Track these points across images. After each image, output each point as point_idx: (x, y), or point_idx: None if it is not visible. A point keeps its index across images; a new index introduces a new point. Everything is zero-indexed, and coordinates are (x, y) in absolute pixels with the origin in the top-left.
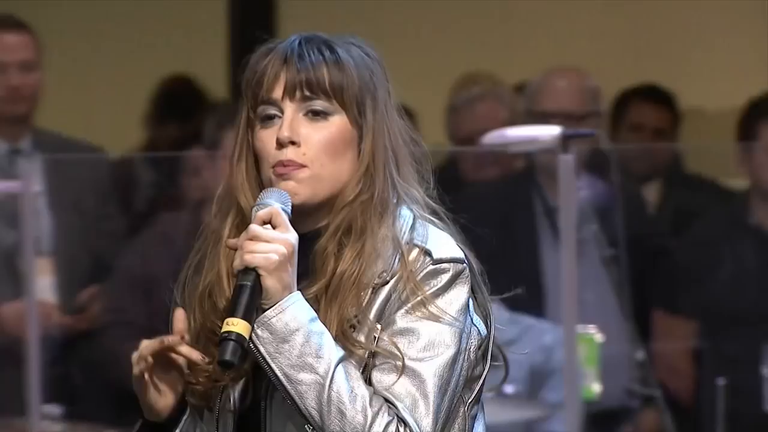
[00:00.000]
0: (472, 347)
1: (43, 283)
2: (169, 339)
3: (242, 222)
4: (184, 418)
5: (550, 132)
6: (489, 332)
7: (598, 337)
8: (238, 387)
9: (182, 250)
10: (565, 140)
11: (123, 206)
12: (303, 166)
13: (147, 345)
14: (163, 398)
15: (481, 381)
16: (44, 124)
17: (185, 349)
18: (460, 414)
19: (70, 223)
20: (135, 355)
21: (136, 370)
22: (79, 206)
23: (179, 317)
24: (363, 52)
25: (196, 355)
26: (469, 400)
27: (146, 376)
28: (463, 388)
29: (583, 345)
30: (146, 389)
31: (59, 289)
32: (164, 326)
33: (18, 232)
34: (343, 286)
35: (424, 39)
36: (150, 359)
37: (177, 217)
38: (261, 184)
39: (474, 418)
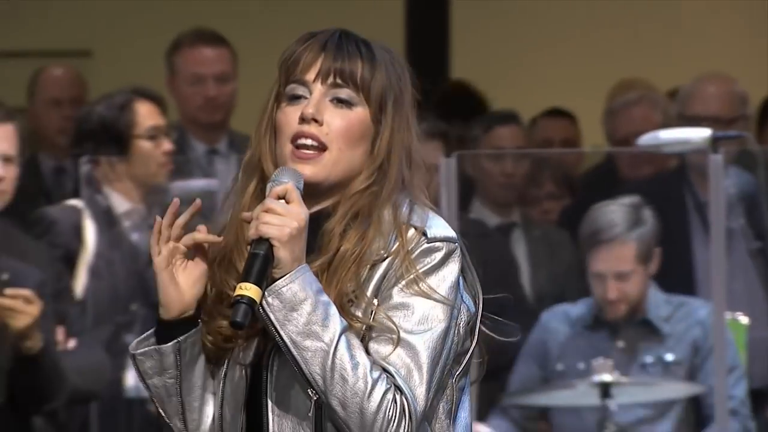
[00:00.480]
0: (462, 323)
1: None
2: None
3: (262, 191)
4: (194, 329)
5: (700, 134)
6: (477, 309)
7: (745, 321)
8: (251, 344)
9: None
10: (715, 142)
11: None
12: (323, 149)
13: (182, 235)
14: (177, 290)
15: (468, 355)
16: (238, 127)
17: (211, 237)
18: (449, 385)
19: None
20: (160, 239)
21: (164, 251)
22: None
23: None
24: (393, 58)
25: (213, 238)
26: (457, 373)
27: (167, 252)
28: (452, 362)
29: (731, 329)
30: (165, 271)
31: None
32: None
33: (215, 226)
34: (343, 263)
35: (585, 47)
36: (182, 246)
37: None
38: (276, 160)
39: (461, 390)
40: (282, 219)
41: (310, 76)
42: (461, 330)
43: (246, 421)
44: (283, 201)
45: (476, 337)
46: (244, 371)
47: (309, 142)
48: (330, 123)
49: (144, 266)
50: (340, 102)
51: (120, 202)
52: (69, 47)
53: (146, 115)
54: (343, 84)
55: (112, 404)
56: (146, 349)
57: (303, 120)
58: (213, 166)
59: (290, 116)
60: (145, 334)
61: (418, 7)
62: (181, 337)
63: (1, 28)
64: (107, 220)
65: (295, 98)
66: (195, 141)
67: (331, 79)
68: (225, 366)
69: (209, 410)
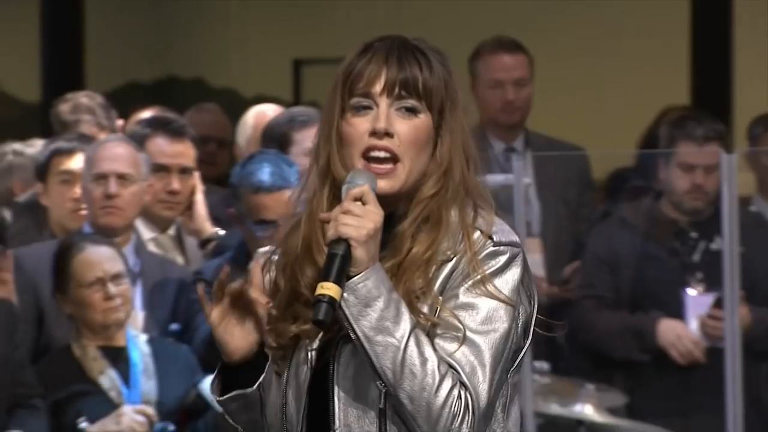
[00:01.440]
0: (520, 323)
1: (534, 260)
2: (248, 284)
3: (335, 196)
4: (268, 364)
5: None
6: (532, 310)
7: None
8: (315, 344)
9: (640, 234)
10: None
11: (602, 196)
12: (396, 160)
13: (227, 285)
14: (234, 340)
15: (522, 353)
16: (534, 127)
17: (258, 295)
18: (504, 382)
19: (555, 210)
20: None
21: (216, 311)
22: (563, 196)
23: (257, 272)
24: (444, 61)
25: (262, 306)
26: (512, 369)
27: (220, 312)
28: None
29: None
30: (220, 327)
31: (546, 265)
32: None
33: (512, 217)
34: (413, 264)
35: None
36: (226, 299)
37: (637, 206)
38: (347, 167)
39: (514, 386)
40: (359, 220)
41: (376, 88)
42: (519, 330)
43: (308, 406)
44: (359, 203)
45: (530, 336)
46: (309, 358)
47: (382, 154)
48: (399, 133)
49: None
50: (406, 111)
51: None
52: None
53: None
54: (408, 95)
55: None
56: (232, 394)
57: (375, 134)
58: (509, 162)
59: (358, 128)
60: (213, 377)
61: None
62: (261, 378)
63: None
64: None
65: (363, 108)
66: (494, 140)
67: (396, 91)
68: (289, 367)
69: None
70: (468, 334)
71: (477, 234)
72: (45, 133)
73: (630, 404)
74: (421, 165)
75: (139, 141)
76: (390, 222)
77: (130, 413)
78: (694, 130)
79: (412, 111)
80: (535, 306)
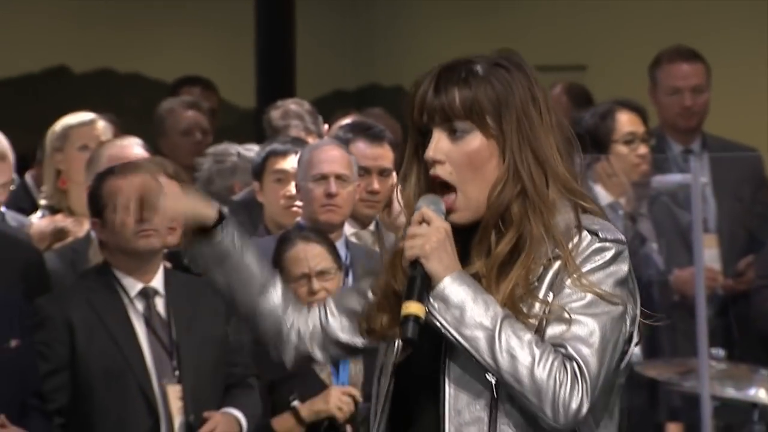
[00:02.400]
0: (629, 319)
1: (710, 254)
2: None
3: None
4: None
5: None
6: (636, 311)
7: None
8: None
9: None
10: None
11: None
12: (452, 189)
13: None
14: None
15: (628, 356)
16: (711, 130)
17: None
18: (613, 377)
19: (730, 207)
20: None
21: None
22: (738, 194)
23: None
24: (503, 67)
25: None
26: (619, 369)
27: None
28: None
29: None
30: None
31: (722, 259)
32: None
33: (690, 214)
34: (500, 264)
35: None
36: None
37: None
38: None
39: (621, 386)
40: (422, 238)
41: (424, 119)
42: (628, 327)
43: (394, 388)
44: (424, 224)
45: (635, 340)
46: (397, 345)
47: (438, 184)
48: (450, 156)
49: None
50: (455, 133)
51: (603, 195)
52: (566, 63)
53: (626, 122)
54: (450, 118)
55: None
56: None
57: (429, 161)
58: (687, 163)
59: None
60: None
61: None
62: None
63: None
64: None
65: (421, 136)
66: (673, 142)
67: (438, 118)
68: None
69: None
70: (574, 316)
71: (584, 233)
72: (258, 138)
73: None
74: (483, 180)
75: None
76: (474, 232)
77: (337, 394)
78: None
79: (459, 132)
80: (638, 307)
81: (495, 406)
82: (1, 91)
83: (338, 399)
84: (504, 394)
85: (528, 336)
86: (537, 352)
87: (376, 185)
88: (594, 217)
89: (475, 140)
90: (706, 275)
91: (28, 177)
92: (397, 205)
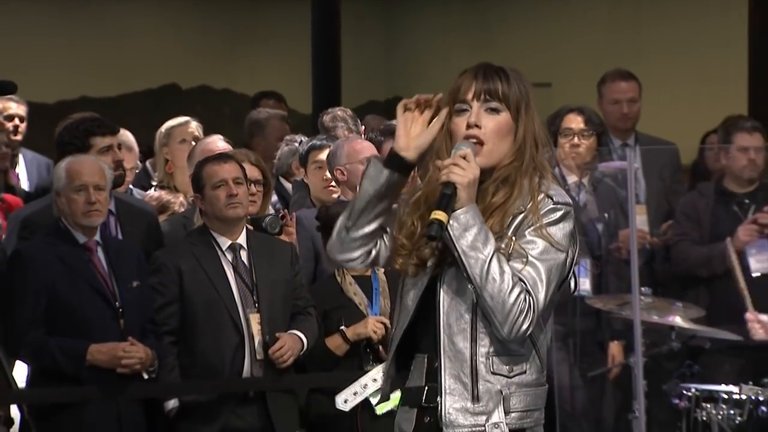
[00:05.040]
0: (569, 261)
1: (641, 219)
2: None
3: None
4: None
5: None
6: (575, 255)
7: None
8: (431, 261)
9: (712, 201)
10: None
11: (687, 176)
12: (482, 144)
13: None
14: (407, 135)
15: (564, 283)
16: (641, 129)
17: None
18: (552, 301)
19: (655, 186)
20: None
21: (409, 104)
22: (660, 176)
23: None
24: (520, 77)
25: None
26: (557, 292)
27: (411, 112)
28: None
29: None
30: (407, 124)
31: (649, 223)
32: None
33: (626, 191)
34: (494, 210)
35: None
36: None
37: (709, 183)
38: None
39: (552, 304)
40: (463, 171)
41: (469, 96)
42: (567, 266)
43: (420, 303)
44: (464, 160)
45: (569, 277)
46: (426, 275)
47: (473, 140)
48: (485, 126)
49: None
50: (491, 110)
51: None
52: (534, 80)
53: (568, 121)
54: (491, 99)
55: None
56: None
57: (468, 126)
58: (625, 153)
59: (460, 125)
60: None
61: None
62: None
63: None
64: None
65: (462, 111)
66: (614, 138)
67: (482, 96)
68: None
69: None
70: (530, 258)
71: (541, 195)
72: (315, 135)
73: (707, 315)
74: (503, 148)
75: (376, 145)
76: (481, 184)
77: (373, 321)
78: (745, 123)
79: (495, 110)
80: (577, 252)
81: (475, 322)
82: (128, 102)
83: (373, 325)
84: (480, 312)
85: (508, 269)
86: (512, 283)
87: None
88: (549, 183)
89: (504, 118)
90: (638, 235)
91: (148, 164)
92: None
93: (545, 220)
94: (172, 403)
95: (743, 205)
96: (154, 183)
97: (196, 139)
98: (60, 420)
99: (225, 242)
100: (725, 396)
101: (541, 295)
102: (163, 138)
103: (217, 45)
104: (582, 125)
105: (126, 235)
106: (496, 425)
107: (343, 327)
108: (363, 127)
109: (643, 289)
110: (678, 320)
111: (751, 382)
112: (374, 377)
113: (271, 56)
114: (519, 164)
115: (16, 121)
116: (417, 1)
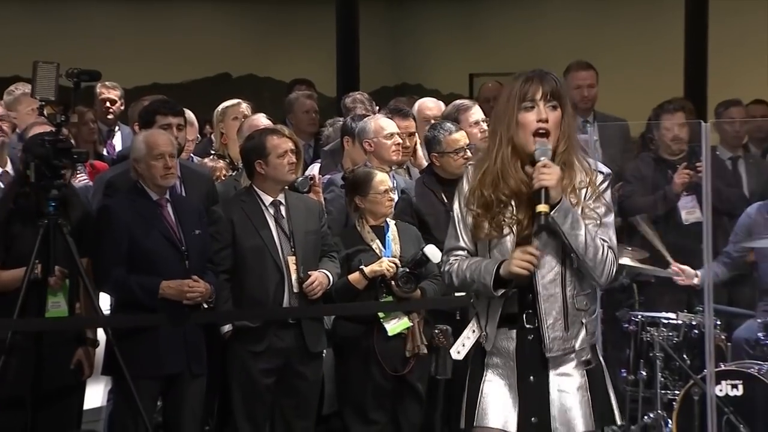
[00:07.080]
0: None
1: None
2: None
3: (514, 151)
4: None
5: None
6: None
7: None
8: (507, 228)
9: (653, 165)
10: None
11: (636, 146)
12: (548, 135)
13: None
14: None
15: None
16: (600, 108)
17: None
18: None
19: (610, 154)
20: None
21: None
22: (614, 146)
23: None
24: (562, 81)
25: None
26: None
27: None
28: None
29: None
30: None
31: None
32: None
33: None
34: (568, 191)
35: None
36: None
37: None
38: (519, 140)
39: None
40: (550, 174)
41: (537, 96)
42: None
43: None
44: (545, 167)
45: None
46: (510, 234)
47: (543, 131)
48: (550, 119)
49: None
50: (552, 108)
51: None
52: (518, 68)
53: None
54: (552, 99)
55: None
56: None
57: (540, 120)
58: (586, 128)
59: (529, 118)
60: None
61: None
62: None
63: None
64: None
65: (530, 108)
66: (577, 117)
67: (548, 96)
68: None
69: None
70: (602, 221)
71: (593, 171)
72: (338, 115)
73: (650, 257)
74: (557, 135)
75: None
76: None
77: (386, 261)
78: (669, 105)
79: (554, 107)
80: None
81: (564, 272)
82: (191, 87)
83: (387, 264)
84: (567, 266)
85: (597, 236)
86: (602, 245)
87: (407, 142)
88: (590, 159)
89: (559, 113)
90: None
91: (212, 137)
92: (420, 153)
93: (601, 189)
94: (227, 328)
95: (676, 168)
96: (212, 152)
97: (245, 117)
98: (136, 342)
99: (268, 199)
100: (665, 321)
101: (615, 247)
102: (219, 116)
103: (260, 41)
104: None
105: (189, 193)
106: (582, 348)
107: (362, 266)
108: (378, 107)
109: None
110: (627, 261)
111: (686, 310)
112: (473, 329)
113: (303, 50)
114: (570, 147)
115: (108, 104)
116: (420, 4)
